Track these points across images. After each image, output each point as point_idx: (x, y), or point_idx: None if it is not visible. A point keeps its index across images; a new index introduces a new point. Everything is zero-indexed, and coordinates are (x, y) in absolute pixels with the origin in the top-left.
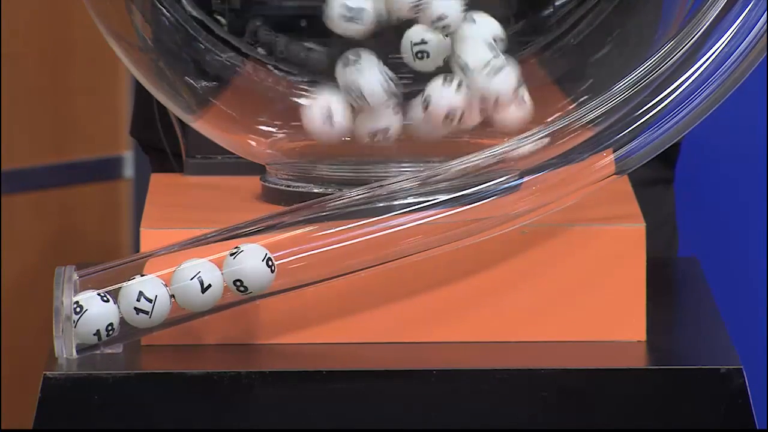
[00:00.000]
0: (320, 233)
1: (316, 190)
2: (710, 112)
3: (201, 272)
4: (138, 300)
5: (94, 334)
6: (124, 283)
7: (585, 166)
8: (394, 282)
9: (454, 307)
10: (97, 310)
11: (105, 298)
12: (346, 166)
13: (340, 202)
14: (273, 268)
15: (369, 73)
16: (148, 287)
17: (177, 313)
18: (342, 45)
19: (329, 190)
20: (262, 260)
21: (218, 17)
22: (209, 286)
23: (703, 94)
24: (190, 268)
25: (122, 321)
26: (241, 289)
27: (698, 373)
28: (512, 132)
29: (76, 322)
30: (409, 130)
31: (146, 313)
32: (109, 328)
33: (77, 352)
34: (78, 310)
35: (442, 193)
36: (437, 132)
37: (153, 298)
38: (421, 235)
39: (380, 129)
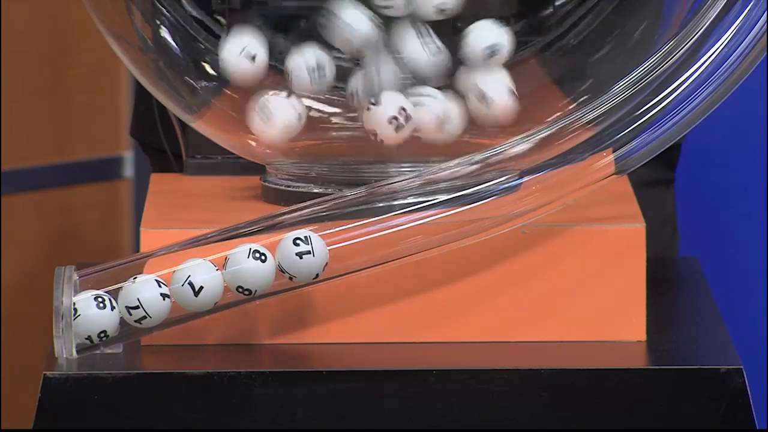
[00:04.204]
0: (320, 233)
1: (316, 190)
2: (710, 112)
3: (191, 275)
4: (138, 300)
5: (86, 338)
6: (124, 284)
7: (585, 166)
8: (394, 282)
9: (454, 307)
10: (91, 315)
11: (101, 305)
12: (346, 166)
13: (340, 202)
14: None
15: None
16: (149, 288)
17: (177, 313)
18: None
19: (329, 190)
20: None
21: (218, 17)
22: (201, 288)
23: (703, 94)
24: (183, 270)
25: (122, 321)
26: (246, 293)
27: (698, 373)
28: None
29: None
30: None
31: (146, 313)
32: (102, 335)
33: (77, 352)
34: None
35: (442, 193)
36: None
37: (153, 299)
38: (421, 235)
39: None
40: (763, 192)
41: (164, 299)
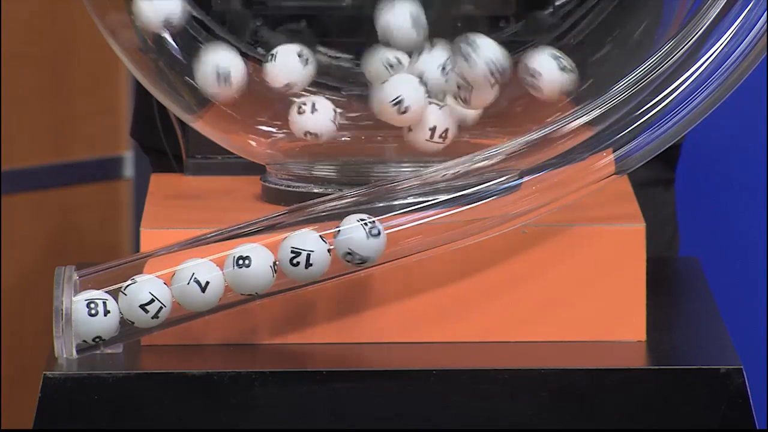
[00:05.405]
0: (320, 233)
1: (316, 190)
2: (710, 112)
3: (196, 273)
4: (139, 300)
5: (83, 341)
6: (124, 284)
7: (585, 166)
8: (394, 282)
9: (454, 307)
10: (82, 321)
11: (93, 312)
12: (346, 166)
13: (340, 202)
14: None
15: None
16: (149, 288)
17: (177, 313)
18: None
19: (329, 190)
20: (270, 265)
21: (218, 17)
22: (207, 283)
23: (703, 94)
24: (186, 269)
25: (122, 321)
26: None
27: (698, 373)
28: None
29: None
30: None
31: (148, 312)
32: (97, 339)
33: (77, 352)
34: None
35: (442, 193)
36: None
37: (154, 299)
38: (421, 235)
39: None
40: (763, 192)
41: (167, 298)
